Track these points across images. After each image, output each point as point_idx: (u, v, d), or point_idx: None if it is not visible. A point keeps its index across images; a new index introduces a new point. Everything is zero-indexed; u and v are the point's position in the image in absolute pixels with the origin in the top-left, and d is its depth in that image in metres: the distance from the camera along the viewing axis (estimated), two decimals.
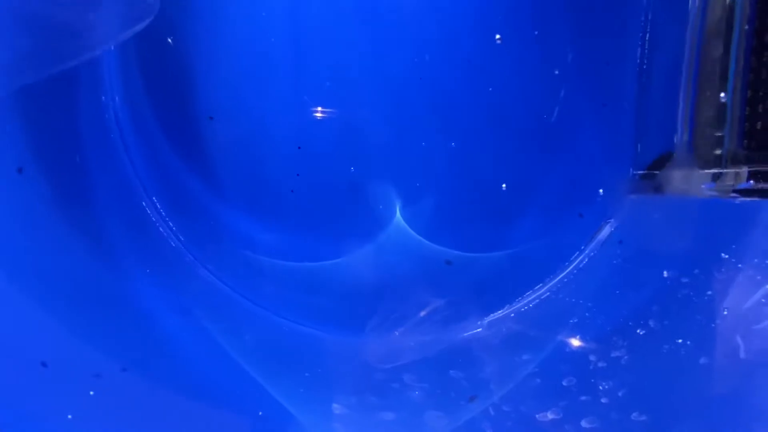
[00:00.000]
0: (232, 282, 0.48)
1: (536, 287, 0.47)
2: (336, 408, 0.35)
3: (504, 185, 0.46)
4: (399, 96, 0.47)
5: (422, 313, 0.47)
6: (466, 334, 0.46)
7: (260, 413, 0.37)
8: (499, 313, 0.47)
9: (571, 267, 0.46)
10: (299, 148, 0.47)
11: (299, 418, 0.36)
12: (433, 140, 0.47)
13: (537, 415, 0.31)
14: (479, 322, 0.46)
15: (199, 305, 0.45)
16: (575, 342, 0.38)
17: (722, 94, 0.30)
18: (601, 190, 0.46)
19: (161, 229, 0.46)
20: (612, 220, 0.45)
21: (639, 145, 0.44)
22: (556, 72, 0.46)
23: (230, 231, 0.48)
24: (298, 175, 0.47)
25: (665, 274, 0.34)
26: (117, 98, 0.45)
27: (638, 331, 0.33)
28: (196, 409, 0.35)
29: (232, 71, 0.46)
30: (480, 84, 0.46)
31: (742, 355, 0.26)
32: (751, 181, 0.30)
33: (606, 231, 0.46)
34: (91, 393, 0.30)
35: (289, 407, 0.38)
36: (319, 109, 0.47)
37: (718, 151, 0.33)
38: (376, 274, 0.48)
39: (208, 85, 0.46)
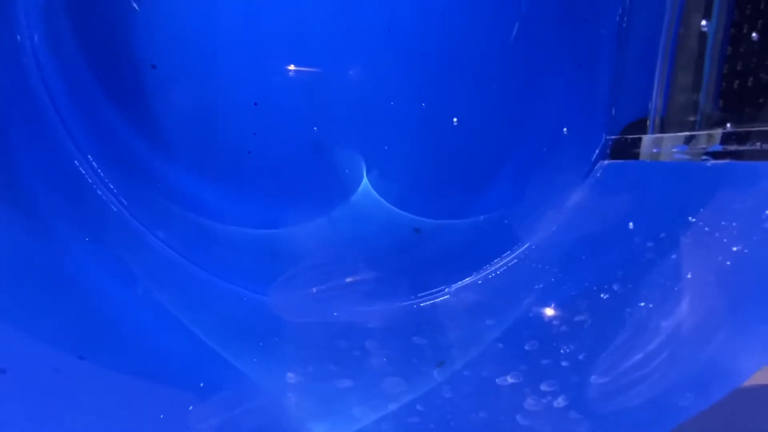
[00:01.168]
0: (184, 250, 0.44)
1: (504, 254, 0.46)
2: (291, 377, 0.34)
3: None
4: (366, 50, 0.43)
5: (388, 281, 0.46)
6: (432, 302, 0.45)
7: (214, 383, 0.35)
8: (467, 281, 0.46)
9: (540, 234, 0.45)
10: (256, 104, 0.43)
11: (253, 388, 0.34)
12: (402, 100, 0.44)
13: (497, 380, 0.30)
14: (446, 290, 0.45)
15: (149, 276, 0.41)
16: (540, 307, 0.37)
17: (704, 22, 0.28)
18: (572, 156, 0.45)
19: (100, 192, 0.42)
20: (582, 187, 0.45)
21: (614, 109, 0.43)
22: (532, 29, 0.43)
23: (181, 194, 0.44)
24: (255, 134, 0.43)
25: (632, 239, 0.33)
26: (36, 37, 0.40)
27: (602, 295, 0.33)
28: (152, 384, 0.32)
29: (178, 12, 0.41)
30: (453, 41, 0.43)
31: (703, 318, 0.26)
32: (721, 145, 0.29)
33: (576, 198, 0.45)
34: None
35: (244, 377, 0.36)
36: (279, 61, 0.43)
37: (692, 116, 0.32)
38: (341, 242, 0.46)
39: (150, 27, 0.40)
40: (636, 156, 0.39)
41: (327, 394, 0.33)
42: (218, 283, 0.45)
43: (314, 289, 0.43)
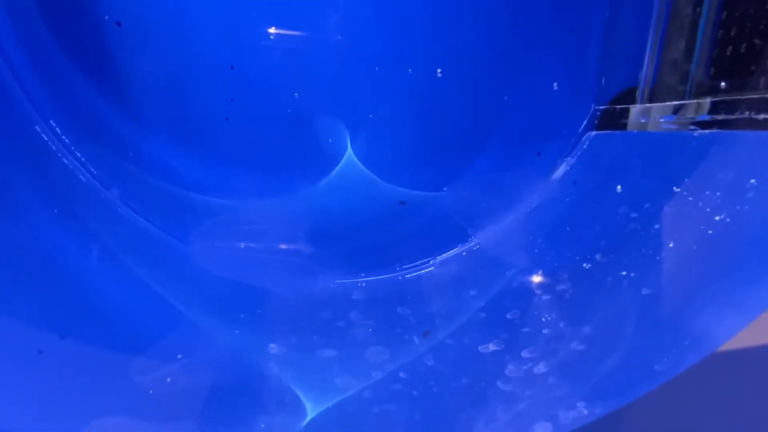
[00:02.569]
0: (160, 222, 0.42)
1: (488, 226, 0.46)
2: (273, 348, 0.34)
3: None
4: (350, 12, 0.41)
5: (372, 253, 0.46)
6: (416, 273, 0.45)
7: (195, 355, 0.35)
8: (451, 252, 0.45)
9: (524, 206, 0.45)
10: (232, 67, 0.40)
11: (236, 360, 0.34)
12: (387, 65, 0.42)
13: (479, 347, 0.31)
14: (431, 261, 0.45)
15: (125, 250, 0.40)
16: (523, 277, 0.37)
17: None
18: (560, 127, 0.45)
19: (66, 161, 0.39)
20: (569, 158, 0.44)
21: (603, 79, 0.42)
22: None
23: (154, 164, 0.41)
24: (232, 100, 0.41)
25: (616, 210, 0.33)
26: None
27: (585, 265, 0.33)
28: (134, 358, 0.32)
29: None
30: (439, 6, 0.41)
31: (682, 286, 0.26)
32: (709, 114, 0.29)
33: (562, 169, 0.44)
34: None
35: (226, 349, 0.35)
36: (258, 23, 0.40)
37: (682, 85, 0.31)
38: (323, 214, 0.45)
39: None
40: (624, 126, 0.38)
41: (310, 364, 0.32)
42: (195, 255, 0.44)
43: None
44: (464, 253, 0.46)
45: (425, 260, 0.46)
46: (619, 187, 0.32)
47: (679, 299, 0.26)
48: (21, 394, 0.27)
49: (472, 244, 0.46)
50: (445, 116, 0.45)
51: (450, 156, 0.46)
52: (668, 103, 0.32)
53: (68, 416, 0.27)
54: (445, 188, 0.46)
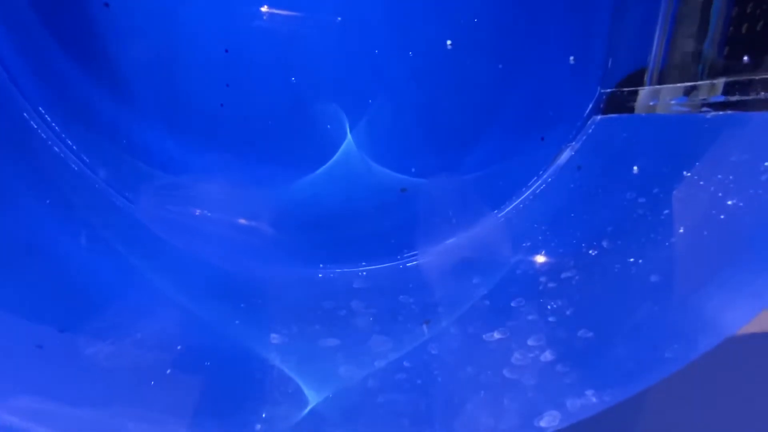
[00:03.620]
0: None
1: (491, 212, 0.45)
2: (274, 338, 0.33)
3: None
4: None
5: (373, 241, 0.45)
6: (418, 261, 0.44)
7: (196, 346, 0.34)
8: (453, 240, 0.45)
9: (528, 192, 0.44)
10: (227, 51, 0.39)
11: (236, 350, 0.34)
12: (387, 48, 0.41)
13: (484, 336, 0.30)
14: (432, 249, 0.45)
15: (121, 240, 0.39)
16: (527, 265, 0.37)
17: None
18: (564, 111, 0.44)
19: (57, 149, 0.38)
20: (574, 143, 0.43)
21: (610, 61, 0.41)
22: None
23: (148, 152, 0.40)
24: (227, 85, 0.40)
25: (624, 195, 0.32)
26: None
27: (591, 251, 0.32)
28: (134, 351, 0.31)
29: None
30: None
31: (693, 271, 0.25)
32: (723, 96, 0.28)
33: (566, 154, 0.44)
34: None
35: (226, 339, 0.35)
36: (253, 2, 0.38)
37: (694, 65, 0.30)
38: (323, 201, 0.44)
39: None
40: (631, 110, 0.37)
41: (312, 353, 0.32)
42: (194, 245, 0.43)
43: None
44: (466, 241, 0.45)
45: (427, 248, 0.45)
46: (635, 167, 0.31)
47: (690, 286, 0.25)
48: (18, 387, 0.26)
49: (474, 231, 0.45)
50: (446, 101, 0.43)
51: (452, 141, 0.45)
52: (679, 84, 0.31)
53: (67, 408, 0.27)
54: (446, 175, 0.45)
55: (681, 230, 0.27)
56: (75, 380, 0.28)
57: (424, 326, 0.33)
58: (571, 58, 0.41)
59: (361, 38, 0.41)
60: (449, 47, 0.40)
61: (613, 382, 0.23)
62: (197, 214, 0.43)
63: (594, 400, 0.23)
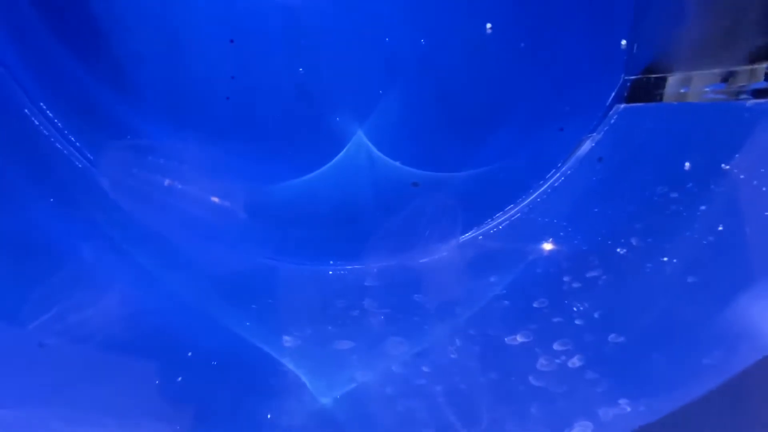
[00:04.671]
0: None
1: (508, 207, 0.43)
2: (287, 340, 0.32)
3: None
4: None
5: (384, 238, 0.44)
6: (431, 258, 0.43)
7: (205, 349, 0.33)
8: (467, 236, 0.43)
9: (546, 185, 0.43)
10: (232, 41, 0.37)
11: (247, 353, 0.33)
12: (399, 36, 0.39)
13: (506, 339, 0.29)
14: (446, 246, 0.43)
15: (126, 239, 0.38)
16: (548, 263, 0.35)
17: None
18: (585, 100, 0.42)
19: (60, 146, 0.37)
20: (595, 134, 0.41)
21: (635, 45, 0.38)
22: None
23: (152, 147, 0.39)
24: (233, 77, 0.38)
25: (653, 190, 0.31)
26: None
27: (618, 250, 0.31)
28: (140, 352, 0.30)
29: None
30: None
31: (735, 273, 0.24)
32: (767, 81, 0.26)
33: (587, 146, 0.42)
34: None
35: (237, 341, 0.34)
36: None
37: (732, 48, 0.28)
38: (332, 196, 0.43)
39: None
40: (659, 98, 0.35)
41: (327, 356, 0.31)
42: (203, 243, 0.42)
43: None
44: (481, 237, 0.44)
45: (440, 244, 0.44)
46: (687, 164, 0.29)
47: (732, 287, 0.24)
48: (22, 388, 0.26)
49: (489, 227, 0.43)
50: (460, 91, 0.42)
51: (466, 133, 0.43)
52: (715, 70, 0.29)
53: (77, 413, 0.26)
54: (460, 168, 0.44)
55: (720, 228, 0.25)
56: (77, 381, 0.28)
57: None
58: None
59: (372, 26, 0.39)
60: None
61: (648, 390, 0.22)
62: (203, 210, 0.42)
63: (628, 409, 0.22)
